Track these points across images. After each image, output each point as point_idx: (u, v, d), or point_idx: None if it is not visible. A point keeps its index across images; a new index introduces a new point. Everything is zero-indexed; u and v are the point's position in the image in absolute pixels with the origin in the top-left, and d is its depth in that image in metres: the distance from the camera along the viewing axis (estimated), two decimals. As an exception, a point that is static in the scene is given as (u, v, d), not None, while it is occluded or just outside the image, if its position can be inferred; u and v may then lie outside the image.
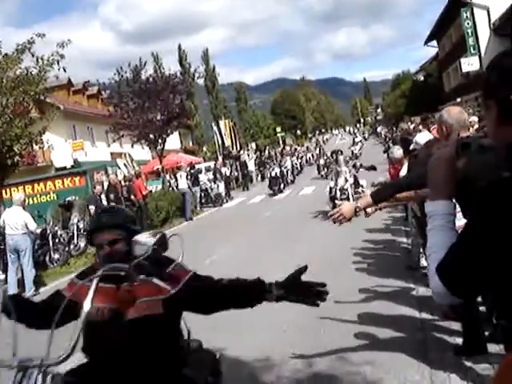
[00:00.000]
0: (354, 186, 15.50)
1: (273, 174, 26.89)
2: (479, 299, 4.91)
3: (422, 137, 7.27)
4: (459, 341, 5.22)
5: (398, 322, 6.28)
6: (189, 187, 23.40)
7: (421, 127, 13.34)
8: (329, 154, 24.09)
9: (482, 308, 5.12)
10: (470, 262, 1.54)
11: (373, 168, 13.45)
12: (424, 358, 5.17)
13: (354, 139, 51.30)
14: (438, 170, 1.76)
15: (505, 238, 1.46)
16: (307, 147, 57.43)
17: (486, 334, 5.01)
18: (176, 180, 25.29)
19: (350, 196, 14.67)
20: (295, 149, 51.73)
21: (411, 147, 7.63)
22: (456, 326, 5.47)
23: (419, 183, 3.55)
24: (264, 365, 5.65)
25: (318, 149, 45.98)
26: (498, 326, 4.30)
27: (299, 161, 42.33)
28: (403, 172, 7.60)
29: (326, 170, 27.88)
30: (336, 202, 13.73)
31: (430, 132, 8.56)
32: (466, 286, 1.59)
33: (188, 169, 27.97)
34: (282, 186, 26.86)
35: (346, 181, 15.15)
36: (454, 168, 1.74)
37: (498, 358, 4.59)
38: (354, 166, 16.17)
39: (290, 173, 31.46)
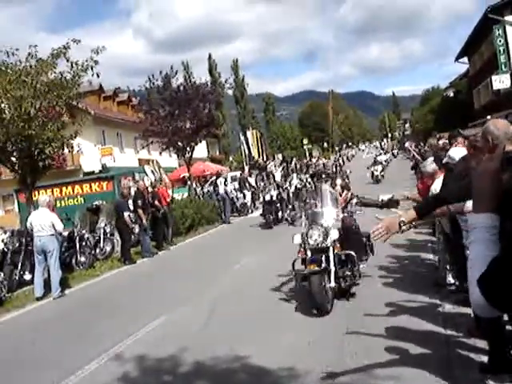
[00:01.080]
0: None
1: (266, 198, 20.00)
2: (505, 317, 4.86)
3: (456, 151, 7.23)
4: (484, 358, 5.17)
5: (423, 338, 6.22)
6: (226, 193, 23.37)
7: (445, 141, 13.05)
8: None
9: (508, 326, 5.07)
10: None
11: (391, 204, 7.65)
12: (448, 376, 5.13)
13: (375, 157, 40.32)
14: (483, 183, 1.76)
15: None
16: (323, 163, 46.45)
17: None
18: (216, 186, 25.06)
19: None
20: (312, 163, 47.63)
21: (444, 161, 7.59)
22: (481, 343, 5.42)
23: (461, 196, 3.44)
24: (287, 375, 5.65)
25: (334, 166, 42.81)
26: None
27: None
28: (435, 186, 7.52)
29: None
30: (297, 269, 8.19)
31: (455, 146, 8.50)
32: (506, 299, 1.58)
33: (214, 177, 28.05)
34: (279, 214, 19.96)
35: (326, 234, 8.02)
36: (498, 181, 1.74)
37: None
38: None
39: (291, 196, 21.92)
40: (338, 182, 11.40)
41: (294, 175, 25.15)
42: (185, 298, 9.89)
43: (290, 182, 23.31)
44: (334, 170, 37.85)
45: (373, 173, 33.12)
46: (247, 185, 27.79)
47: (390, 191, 8.84)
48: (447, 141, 11.79)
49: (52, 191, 20.61)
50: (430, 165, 8.50)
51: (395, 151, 63.59)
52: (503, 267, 1.57)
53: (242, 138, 49.66)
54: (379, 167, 34.15)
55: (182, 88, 25.37)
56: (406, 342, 6.13)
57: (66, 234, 14.14)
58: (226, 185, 23.98)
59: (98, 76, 15.60)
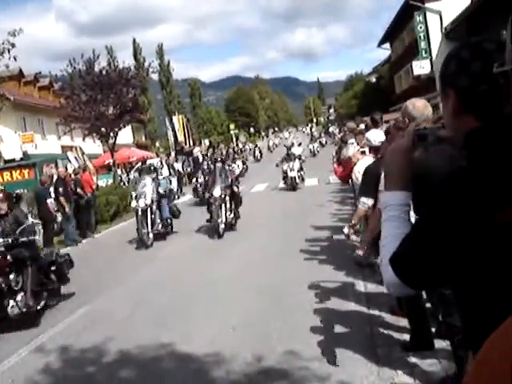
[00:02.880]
0: None
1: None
2: (425, 295, 5.00)
3: (373, 134, 7.33)
4: (407, 337, 5.31)
5: (346, 317, 6.34)
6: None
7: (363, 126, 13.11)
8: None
9: (427, 304, 5.21)
10: (425, 252, 1.54)
11: None
12: (372, 354, 5.25)
13: (288, 149, 25.90)
14: (394, 161, 1.76)
15: (460, 229, 1.46)
16: (250, 148, 52.39)
17: (433, 330, 5.10)
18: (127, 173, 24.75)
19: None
20: (239, 148, 49.61)
21: (363, 143, 7.70)
22: (403, 322, 5.55)
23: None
24: (213, 360, 5.64)
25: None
26: (443, 323, 4.38)
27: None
28: (359, 168, 7.60)
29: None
30: None
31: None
32: (419, 277, 1.59)
33: (140, 164, 27.63)
34: None
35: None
36: (410, 159, 1.75)
37: (445, 354, 4.70)
38: None
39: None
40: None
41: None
42: (107, 287, 9.73)
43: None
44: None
45: (286, 175, 21.91)
46: (172, 171, 27.55)
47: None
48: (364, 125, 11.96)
49: (-30, 180, 19.89)
50: (351, 148, 8.62)
51: (323, 139, 53.90)
52: (414, 244, 1.58)
53: (168, 123, 49.12)
54: (295, 165, 22.01)
55: (104, 72, 24.84)
56: (330, 321, 6.24)
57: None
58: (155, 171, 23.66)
59: (15, 59, 15.08)
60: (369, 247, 6.85)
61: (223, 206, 13.52)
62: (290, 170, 21.63)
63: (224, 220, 13.39)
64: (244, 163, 33.69)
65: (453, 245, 1.48)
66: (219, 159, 15.08)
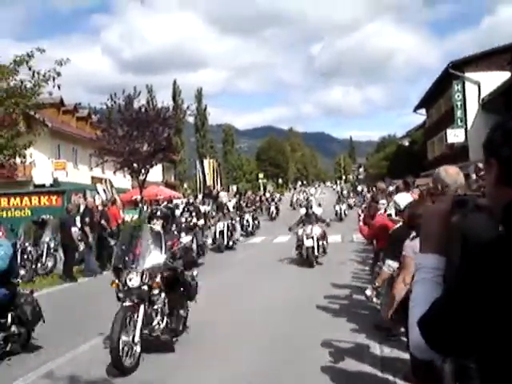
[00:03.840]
0: None
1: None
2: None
3: (401, 197, 7.31)
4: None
5: (359, 379, 6.23)
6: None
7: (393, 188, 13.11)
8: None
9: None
10: (454, 319, 1.53)
11: None
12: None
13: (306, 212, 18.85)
14: (431, 224, 1.77)
15: (492, 300, 1.45)
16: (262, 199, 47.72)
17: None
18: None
19: None
20: (265, 197, 48.46)
21: (390, 205, 7.69)
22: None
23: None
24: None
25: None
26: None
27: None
28: None
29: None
30: None
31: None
32: (446, 342, 1.58)
33: (166, 203, 27.84)
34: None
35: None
36: (447, 223, 1.75)
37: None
38: None
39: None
40: None
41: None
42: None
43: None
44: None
45: (301, 243, 16.37)
46: (199, 213, 27.62)
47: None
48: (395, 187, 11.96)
49: (-1, 200, 20.16)
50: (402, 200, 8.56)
51: (351, 200, 46.41)
52: (444, 309, 1.57)
53: (199, 166, 49.67)
54: (315, 229, 16.27)
55: (143, 109, 25.28)
56: (343, 382, 6.13)
57: (8, 244, 13.79)
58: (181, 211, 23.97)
59: (59, 88, 15.42)
60: (396, 318, 6.76)
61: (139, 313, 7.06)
62: (307, 238, 15.95)
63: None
64: (256, 219, 30.10)
65: (483, 315, 1.47)
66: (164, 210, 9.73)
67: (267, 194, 53.57)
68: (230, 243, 21.14)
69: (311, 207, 17.24)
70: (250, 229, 27.64)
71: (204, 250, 18.65)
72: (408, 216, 5.26)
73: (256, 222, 29.55)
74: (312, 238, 15.80)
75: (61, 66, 14.98)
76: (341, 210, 32.19)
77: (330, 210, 29.06)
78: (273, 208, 39.54)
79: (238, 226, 24.12)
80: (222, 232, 20.98)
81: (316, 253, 15.89)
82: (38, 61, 15.11)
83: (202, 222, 19.39)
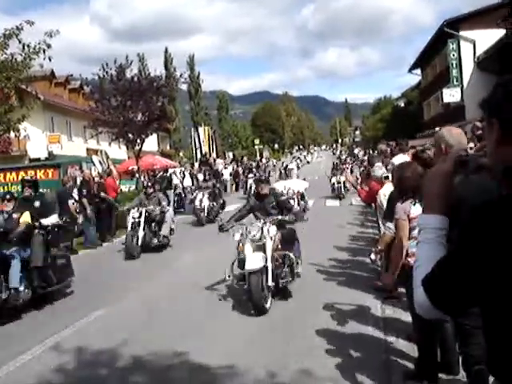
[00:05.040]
0: None
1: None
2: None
3: (399, 159, 7.31)
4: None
5: (363, 341, 6.29)
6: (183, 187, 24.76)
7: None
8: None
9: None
10: (457, 277, 1.54)
11: None
12: (386, 380, 5.19)
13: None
14: (433, 184, 1.76)
15: (492, 257, 1.47)
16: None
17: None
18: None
19: None
20: (262, 163, 48.80)
21: (388, 168, 7.69)
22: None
23: None
24: (227, 372, 5.61)
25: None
26: (462, 354, 4.33)
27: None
28: (385, 190, 7.60)
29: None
30: None
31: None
32: (450, 301, 1.59)
33: (162, 172, 27.89)
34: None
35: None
36: (449, 184, 1.74)
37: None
38: None
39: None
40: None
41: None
42: (123, 292, 9.71)
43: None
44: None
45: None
46: (196, 181, 27.66)
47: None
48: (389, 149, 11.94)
49: (-5, 176, 20.10)
50: (379, 170, 8.61)
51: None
52: (447, 268, 1.57)
53: (194, 134, 49.51)
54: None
55: (135, 79, 25.06)
56: (347, 344, 6.18)
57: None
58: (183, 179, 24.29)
59: (50, 60, 15.21)
60: (396, 280, 6.79)
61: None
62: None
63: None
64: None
65: (484, 271, 1.49)
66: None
67: (263, 160, 53.54)
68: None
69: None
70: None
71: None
72: (396, 178, 5.23)
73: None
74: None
75: (51, 38, 14.78)
76: (339, 184, 25.64)
77: (326, 181, 28.49)
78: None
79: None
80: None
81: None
82: (28, 33, 14.91)
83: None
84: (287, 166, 41.47)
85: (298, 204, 17.41)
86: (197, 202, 19.74)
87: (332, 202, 24.29)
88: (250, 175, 32.62)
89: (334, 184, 26.18)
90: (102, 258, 14.22)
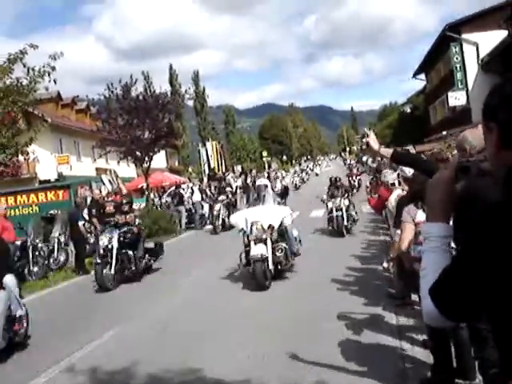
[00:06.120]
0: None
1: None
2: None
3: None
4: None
5: (378, 349, 6.26)
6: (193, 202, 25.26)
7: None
8: None
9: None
10: (464, 284, 1.54)
11: None
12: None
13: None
14: (436, 192, 1.76)
15: (498, 262, 1.46)
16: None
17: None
18: (175, 196, 25.78)
19: None
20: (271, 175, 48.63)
21: (397, 172, 7.70)
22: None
23: (427, 173, 3.68)
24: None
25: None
26: (478, 359, 4.30)
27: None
28: (393, 197, 7.60)
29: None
30: None
31: None
32: (458, 308, 1.59)
33: (173, 188, 28.01)
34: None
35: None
36: (452, 191, 1.74)
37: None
38: None
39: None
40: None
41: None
42: (137, 310, 9.73)
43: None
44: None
45: None
46: (205, 196, 27.69)
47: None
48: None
49: (6, 199, 20.16)
50: (390, 175, 8.60)
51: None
52: (453, 275, 1.57)
53: (202, 149, 49.63)
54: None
55: (141, 97, 25.18)
56: (361, 353, 6.15)
57: (18, 243, 13.84)
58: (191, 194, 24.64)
59: (54, 82, 15.30)
60: (402, 286, 6.78)
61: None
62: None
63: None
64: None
65: (491, 277, 1.48)
66: None
67: (272, 173, 53.54)
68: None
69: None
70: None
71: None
72: (410, 184, 5.27)
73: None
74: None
75: (55, 60, 14.88)
76: (339, 211, 16.67)
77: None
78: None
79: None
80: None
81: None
82: (32, 56, 15.02)
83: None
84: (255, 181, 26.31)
85: (277, 264, 10.83)
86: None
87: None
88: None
89: (331, 211, 16.96)
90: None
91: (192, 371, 6.22)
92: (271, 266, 10.40)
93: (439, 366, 5.01)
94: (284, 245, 10.96)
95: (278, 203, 13.58)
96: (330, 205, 17.18)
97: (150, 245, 14.35)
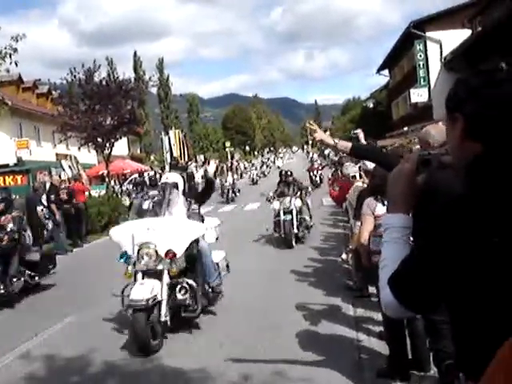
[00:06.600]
0: None
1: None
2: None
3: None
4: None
5: (335, 340, 6.32)
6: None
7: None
8: None
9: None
10: (422, 274, 1.55)
11: None
12: (359, 378, 5.22)
13: None
14: (397, 184, 1.77)
15: (459, 255, 1.48)
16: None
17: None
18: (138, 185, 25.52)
19: None
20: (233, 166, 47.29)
21: (358, 165, 7.78)
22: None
23: (386, 167, 3.69)
24: (199, 376, 5.59)
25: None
26: (432, 350, 4.38)
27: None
28: (353, 190, 7.66)
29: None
30: None
31: None
32: (416, 298, 1.60)
33: (136, 175, 27.83)
34: None
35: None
36: (413, 183, 1.76)
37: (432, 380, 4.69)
38: None
39: None
40: None
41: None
42: (95, 298, 9.60)
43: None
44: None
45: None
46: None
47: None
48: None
49: (-38, 183, 19.77)
50: (351, 167, 8.67)
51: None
52: (412, 266, 1.59)
53: (165, 137, 49.16)
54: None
55: (104, 83, 24.86)
56: (319, 344, 6.21)
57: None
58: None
59: (16, 65, 14.99)
60: (360, 278, 6.85)
61: None
62: None
63: None
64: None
65: (450, 269, 1.50)
66: None
67: (235, 162, 53.52)
68: None
69: None
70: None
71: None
72: (371, 177, 5.32)
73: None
74: None
75: (17, 42, 14.57)
76: (287, 214, 13.49)
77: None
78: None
79: None
80: None
81: None
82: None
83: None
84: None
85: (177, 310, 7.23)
86: None
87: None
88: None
89: (278, 214, 13.69)
90: (71, 264, 14.06)
91: (150, 359, 6.20)
92: (164, 318, 6.54)
93: (395, 357, 5.09)
94: (190, 281, 6.98)
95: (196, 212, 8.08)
96: (276, 205, 13.66)
97: (35, 257, 10.62)
